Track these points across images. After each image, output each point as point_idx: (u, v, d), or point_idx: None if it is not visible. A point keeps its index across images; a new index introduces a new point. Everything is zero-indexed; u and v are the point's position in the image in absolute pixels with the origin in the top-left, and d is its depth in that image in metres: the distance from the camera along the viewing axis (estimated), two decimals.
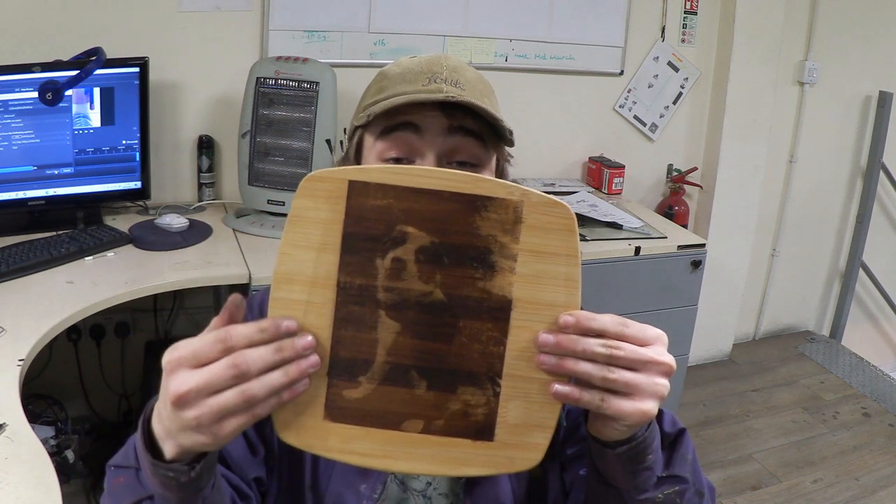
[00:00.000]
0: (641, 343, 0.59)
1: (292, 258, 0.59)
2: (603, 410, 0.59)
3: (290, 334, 0.56)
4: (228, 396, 0.54)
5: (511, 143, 0.81)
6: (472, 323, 0.59)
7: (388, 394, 0.60)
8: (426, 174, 0.59)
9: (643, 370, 0.59)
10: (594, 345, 0.58)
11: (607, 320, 0.59)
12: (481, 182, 0.59)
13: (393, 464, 0.61)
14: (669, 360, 0.60)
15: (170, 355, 0.56)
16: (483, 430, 0.60)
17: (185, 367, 0.55)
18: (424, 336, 0.59)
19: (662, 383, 0.59)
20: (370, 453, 0.60)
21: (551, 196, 0.60)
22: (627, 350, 0.58)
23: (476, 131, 0.77)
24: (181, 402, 0.54)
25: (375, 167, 0.61)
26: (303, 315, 0.59)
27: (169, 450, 0.58)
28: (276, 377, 0.55)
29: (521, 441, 0.60)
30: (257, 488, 0.80)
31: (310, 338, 0.57)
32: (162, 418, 0.57)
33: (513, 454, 0.61)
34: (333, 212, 0.58)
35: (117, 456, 0.68)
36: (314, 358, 0.57)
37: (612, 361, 0.58)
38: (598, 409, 0.59)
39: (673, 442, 0.73)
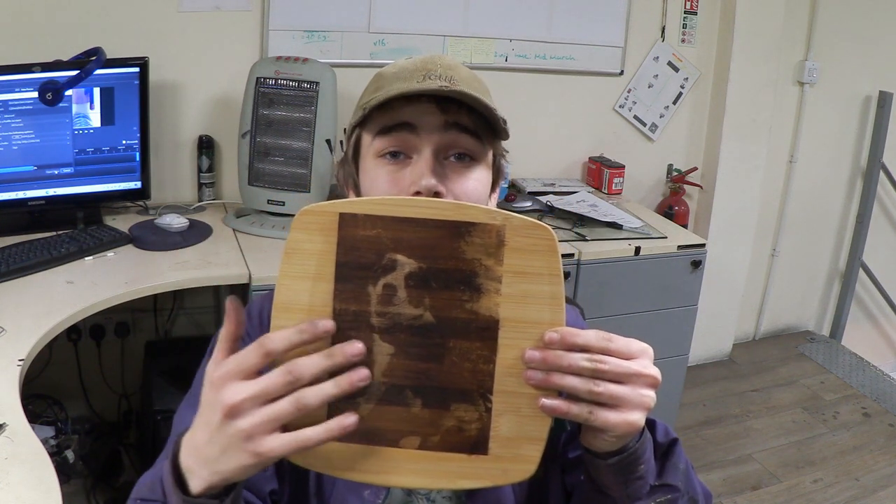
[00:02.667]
0: (626, 357, 0.61)
1: (289, 288, 0.62)
2: (591, 422, 0.61)
3: (328, 333, 0.58)
4: (283, 404, 0.55)
5: (506, 135, 0.82)
6: (462, 343, 0.62)
7: (385, 413, 0.62)
8: (411, 204, 0.62)
9: (629, 383, 0.60)
10: (579, 359, 0.60)
11: (591, 335, 0.61)
12: (464, 209, 0.62)
13: (393, 479, 0.63)
14: (654, 372, 0.62)
15: (216, 372, 0.57)
16: (477, 445, 0.63)
17: (234, 380, 0.56)
18: (417, 357, 0.62)
19: (648, 395, 0.61)
20: (371, 470, 0.63)
21: (531, 219, 0.62)
22: (612, 363, 0.60)
23: (471, 127, 0.78)
24: (235, 411, 0.55)
25: (364, 199, 0.64)
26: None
27: (197, 483, 0.58)
28: (328, 387, 0.56)
29: (514, 454, 0.63)
30: (271, 499, 0.81)
31: (359, 345, 0.58)
32: (199, 445, 0.58)
33: (507, 466, 0.63)
34: (326, 243, 0.61)
35: (142, 489, 0.68)
36: (364, 371, 0.58)
37: (597, 375, 0.60)
38: (587, 422, 0.61)
39: (665, 452, 0.74)
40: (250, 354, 0.56)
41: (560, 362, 0.60)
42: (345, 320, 0.61)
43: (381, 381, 0.62)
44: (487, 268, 0.61)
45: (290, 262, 0.62)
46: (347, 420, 0.58)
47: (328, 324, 0.58)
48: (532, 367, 0.61)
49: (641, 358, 0.62)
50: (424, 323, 0.62)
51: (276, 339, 0.56)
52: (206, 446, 0.57)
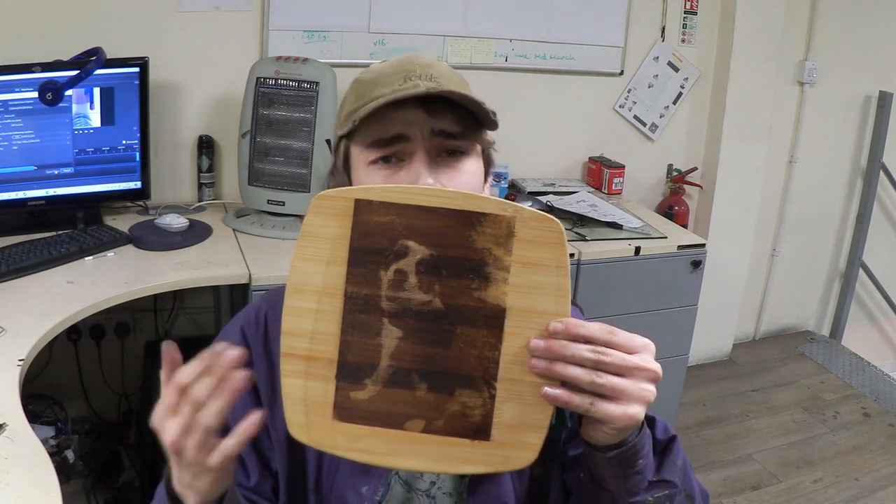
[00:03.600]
0: (628, 350, 0.62)
1: (303, 270, 0.64)
2: (592, 413, 0.62)
3: (233, 363, 0.63)
4: (199, 431, 0.63)
5: (494, 126, 0.82)
6: (469, 330, 0.63)
7: (391, 395, 0.64)
8: (425, 193, 0.64)
9: (630, 376, 0.62)
10: (583, 350, 0.61)
11: (595, 328, 0.62)
12: (476, 199, 0.63)
13: (396, 461, 0.65)
14: (655, 367, 0.63)
15: (154, 419, 0.65)
16: (480, 430, 0.64)
17: (166, 419, 0.63)
18: (424, 342, 0.63)
19: (649, 389, 0.63)
20: (375, 451, 0.64)
21: (541, 212, 0.64)
22: (614, 356, 0.61)
23: (456, 132, 0.78)
24: (176, 449, 0.63)
25: (379, 187, 0.65)
26: (313, 322, 0.64)
27: (192, 501, 0.67)
28: (216, 404, 0.62)
29: (516, 441, 0.64)
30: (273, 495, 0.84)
31: (234, 353, 0.62)
32: (176, 475, 0.67)
33: (508, 453, 0.64)
34: (341, 228, 0.63)
35: None
36: (238, 377, 0.62)
37: (599, 366, 0.61)
38: (588, 412, 0.62)
39: (664, 448, 0.76)
40: (169, 393, 0.63)
41: (564, 352, 0.61)
42: (356, 303, 0.63)
43: (388, 364, 0.63)
44: (496, 257, 0.63)
45: (305, 245, 0.64)
46: (252, 418, 0.63)
47: (232, 354, 0.62)
48: (536, 356, 0.62)
49: (643, 352, 0.63)
50: (433, 309, 0.63)
51: (184, 373, 0.63)
52: (180, 476, 0.66)
